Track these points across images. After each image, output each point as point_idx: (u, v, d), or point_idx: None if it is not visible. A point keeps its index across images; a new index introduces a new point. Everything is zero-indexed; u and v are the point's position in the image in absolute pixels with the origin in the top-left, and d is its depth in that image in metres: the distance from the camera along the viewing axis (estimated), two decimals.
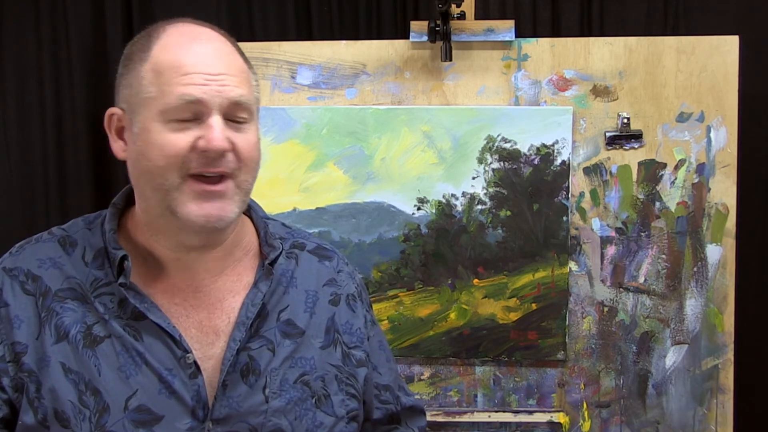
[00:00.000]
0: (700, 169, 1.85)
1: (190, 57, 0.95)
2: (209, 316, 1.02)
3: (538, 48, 1.86)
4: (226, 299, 1.04)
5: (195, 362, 0.98)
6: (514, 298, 1.86)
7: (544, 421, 1.89)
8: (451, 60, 1.78)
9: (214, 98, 0.94)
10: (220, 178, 0.96)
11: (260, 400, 1.01)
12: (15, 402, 0.95)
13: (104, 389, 0.95)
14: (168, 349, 0.97)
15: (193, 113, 0.94)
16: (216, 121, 0.94)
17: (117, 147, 1.01)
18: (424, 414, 1.27)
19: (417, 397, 1.90)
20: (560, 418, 1.88)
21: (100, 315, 0.97)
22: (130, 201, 1.05)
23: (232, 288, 1.05)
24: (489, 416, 1.89)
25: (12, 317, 0.96)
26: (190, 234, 0.98)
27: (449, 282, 1.87)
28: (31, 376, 0.95)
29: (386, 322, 1.87)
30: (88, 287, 0.98)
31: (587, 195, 1.86)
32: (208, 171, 0.95)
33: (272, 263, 1.06)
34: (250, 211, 1.11)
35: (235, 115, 0.97)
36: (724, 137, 1.84)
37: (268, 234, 1.09)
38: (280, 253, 1.08)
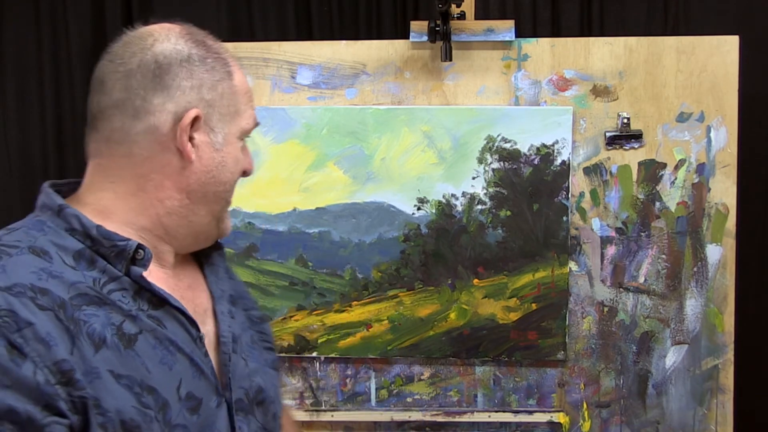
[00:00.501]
0: (700, 169, 1.85)
1: (248, 85, 1.05)
2: (195, 295, 1.05)
3: (538, 48, 1.86)
4: (197, 278, 1.09)
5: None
6: (514, 298, 1.86)
7: (544, 421, 1.89)
8: (451, 60, 1.78)
9: None
10: None
11: (243, 364, 1.07)
12: (77, 426, 0.87)
13: (158, 385, 0.92)
14: (186, 332, 0.98)
15: None
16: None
17: (189, 149, 0.96)
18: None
19: (417, 397, 1.91)
20: (560, 418, 1.88)
21: (124, 312, 0.93)
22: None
23: (191, 265, 1.09)
24: (489, 416, 1.89)
25: (43, 335, 0.85)
26: (206, 242, 1.06)
27: (449, 282, 1.87)
28: (88, 394, 0.87)
29: (386, 322, 1.87)
30: (96, 288, 0.92)
31: (587, 195, 1.86)
32: None
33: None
34: None
35: None
36: (724, 137, 1.84)
37: None
38: None
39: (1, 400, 0.81)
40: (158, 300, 0.96)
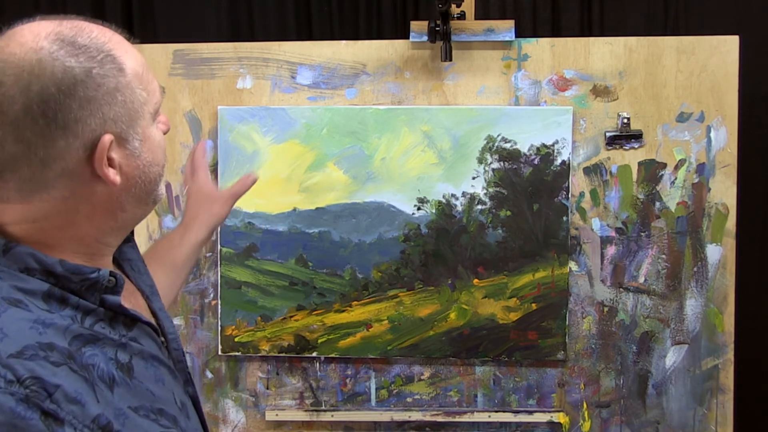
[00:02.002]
0: (700, 169, 1.85)
1: (135, 50, 0.94)
2: (135, 300, 1.02)
3: (538, 48, 1.86)
4: (125, 278, 1.03)
5: None
6: (514, 298, 1.86)
7: (544, 421, 1.89)
8: (451, 60, 1.78)
9: None
10: None
11: (182, 353, 1.07)
12: None
13: (163, 404, 0.91)
14: (155, 342, 0.97)
15: None
16: None
17: (112, 175, 0.88)
18: None
19: (417, 397, 1.91)
20: (560, 418, 1.88)
21: (115, 343, 0.89)
22: None
23: (115, 267, 1.04)
24: (489, 416, 1.89)
25: (74, 395, 0.80)
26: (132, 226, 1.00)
27: (449, 282, 1.87)
28: None
29: (386, 322, 1.87)
30: (82, 327, 0.86)
31: (587, 195, 1.86)
32: None
33: None
34: None
35: None
36: (724, 137, 1.84)
37: None
38: None
39: None
40: (130, 320, 0.93)
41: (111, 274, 0.90)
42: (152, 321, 0.99)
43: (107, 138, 0.85)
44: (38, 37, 0.86)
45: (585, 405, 1.89)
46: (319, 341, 1.89)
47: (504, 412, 1.89)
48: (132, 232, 1.05)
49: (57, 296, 0.86)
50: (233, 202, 1.50)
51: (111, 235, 0.95)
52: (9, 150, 0.83)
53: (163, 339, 0.99)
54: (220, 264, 1.88)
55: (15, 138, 0.83)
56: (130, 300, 0.99)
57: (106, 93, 0.86)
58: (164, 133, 0.97)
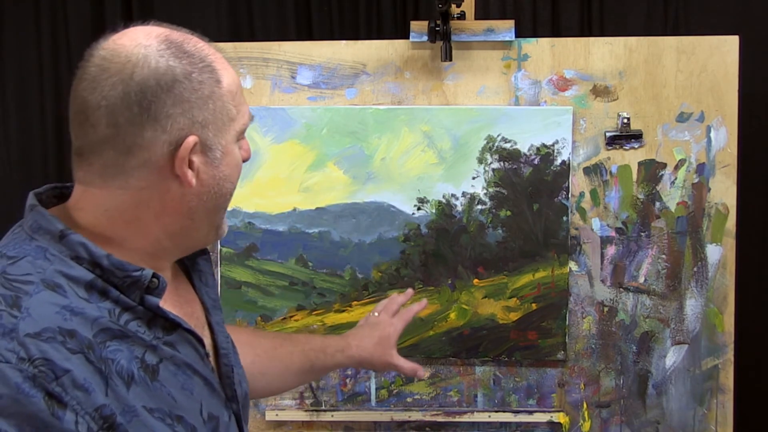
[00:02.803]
0: (700, 169, 1.85)
1: (239, 80, 0.99)
2: (192, 309, 1.04)
3: (538, 48, 1.86)
4: (188, 289, 1.07)
5: None
6: (514, 298, 1.86)
7: (544, 421, 1.89)
8: (451, 60, 1.78)
9: None
10: None
11: (239, 371, 1.08)
12: None
13: (184, 412, 0.92)
14: (196, 351, 0.98)
15: None
16: None
17: (190, 176, 0.92)
18: None
19: (417, 397, 1.91)
20: (560, 418, 1.88)
21: (145, 343, 0.90)
22: None
23: (178, 275, 1.07)
24: (489, 416, 1.89)
25: (82, 381, 0.82)
26: (198, 249, 1.03)
27: (449, 282, 1.87)
28: None
29: None
30: (115, 321, 0.89)
31: (587, 195, 1.86)
32: None
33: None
34: None
35: None
36: (724, 137, 1.84)
37: None
38: None
39: None
40: (171, 325, 0.95)
41: (154, 275, 0.91)
42: (198, 331, 0.99)
43: (192, 139, 0.89)
44: (149, 36, 0.91)
45: (585, 405, 1.89)
46: None
47: (504, 412, 1.89)
48: (205, 249, 1.09)
49: (99, 288, 0.88)
50: (390, 366, 1.49)
51: (172, 241, 0.96)
52: (101, 132, 0.88)
53: (208, 352, 1.00)
54: (220, 264, 1.88)
55: (108, 122, 0.88)
56: (184, 308, 1.01)
57: (200, 98, 0.90)
58: (244, 161, 0.99)
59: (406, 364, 1.49)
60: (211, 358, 1.03)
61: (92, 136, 0.89)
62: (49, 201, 0.98)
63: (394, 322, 1.50)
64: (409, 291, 1.60)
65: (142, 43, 0.90)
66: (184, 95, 0.89)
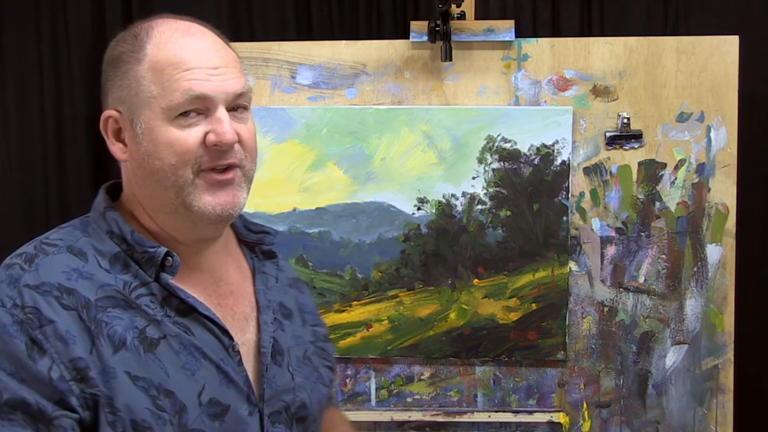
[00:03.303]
0: (700, 169, 1.85)
1: (189, 52, 0.96)
2: (236, 303, 1.05)
3: (538, 48, 1.86)
4: (242, 285, 1.08)
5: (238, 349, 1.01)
6: (514, 298, 1.86)
7: (544, 421, 1.89)
8: (451, 60, 1.78)
9: (219, 92, 0.96)
10: (228, 167, 0.98)
11: (288, 378, 1.06)
12: (87, 421, 0.90)
13: (177, 389, 0.94)
14: (217, 339, 0.98)
15: (198, 108, 0.96)
16: (223, 114, 0.96)
17: (116, 149, 0.99)
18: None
19: (417, 397, 1.91)
20: (560, 418, 1.88)
21: (149, 317, 0.94)
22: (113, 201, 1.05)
23: (241, 274, 1.09)
24: (489, 416, 1.89)
25: (63, 333, 0.89)
26: (205, 226, 1.00)
27: (449, 282, 1.87)
28: (100, 392, 0.90)
29: (386, 322, 1.87)
30: (125, 292, 0.94)
31: (587, 195, 1.86)
32: (219, 164, 0.97)
33: (263, 245, 1.12)
34: None
35: (237, 106, 0.99)
36: (724, 137, 1.84)
37: (247, 222, 1.13)
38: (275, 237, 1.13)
39: (16, 392, 0.86)
40: (186, 307, 0.97)
41: (169, 253, 0.96)
42: (233, 324, 1.01)
43: (106, 113, 0.99)
44: (146, 25, 0.99)
45: (585, 405, 1.89)
46: None
47: (504, 412, 1.89)
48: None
49: (122, 261, 0.96)
50: None
51: (170, 220, 0.99)
52: None
53: (236, 344, 1.00)
54: None
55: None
56: (224, 300, 1.03)
57: (120, 75, 0.97)
58: (213, 143, 0.96)
59: None
60: (251, 355, 1.03)
61: None
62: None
63: None
64: None
65: (144, 25, 0.99)
66: (110, 74, 0.99)
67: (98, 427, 0.90)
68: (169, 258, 0.96)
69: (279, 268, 1.14)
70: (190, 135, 0.95)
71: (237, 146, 0.98)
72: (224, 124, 0.95)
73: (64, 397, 0.88)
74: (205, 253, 1.04)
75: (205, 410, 0.95)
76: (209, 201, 0.97)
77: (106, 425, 0.89)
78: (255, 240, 1.12)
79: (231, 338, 1.00)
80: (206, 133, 0.96)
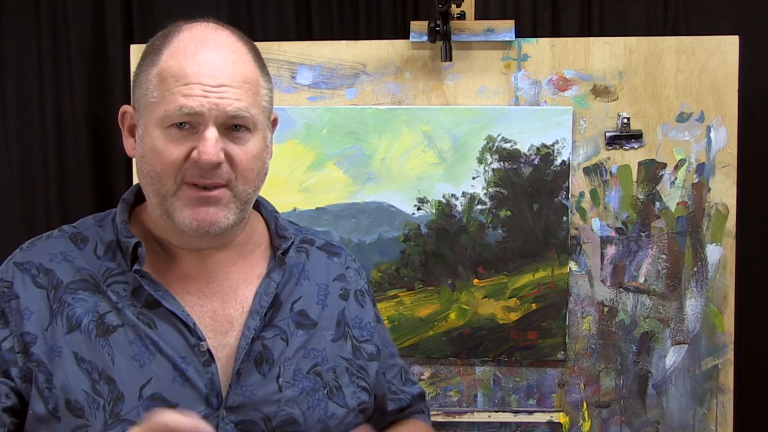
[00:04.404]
0: (700, 169, 1.85)
1: (193, 66, 0.96)
2: (223, 305, 1.03)
3: (538, 48, 1.86)
4: (240, 289, 1.05)
5: (209, 350, 0.99)
6: (514, 298, 1.86)
7: (544, 421, 1.89)
8: (451, 60, 1.78)
9: (211, 111, 0.95)
10: (215, 185, 0.98)
11: (274, 389, 1.02)
12: (24, 392, 0.96)
13: (118, 378, 0.95)
14: (182, 336, 0.98)
15: (191, 122, 0.96)
16: (211, 133, 0.96)
17: (128, 144, 1.04)
18: (425, 395, 1.31)
19: None
20: (560, 418, 1.88)
21: (113, 304, 0.98)
22: (140, 197, 1.07)
23: (246, 278, 1.06)
24: (489, 416, 1.89)
25: (22, 309, 0.97)
26: (188, 237, 1.01)
27: (449, 282, 1.87)
28: (39, 366, 0.95)
29: (386, 322, 1.87)
30: (100, 277, 1.00)
31: (587, 195, 1.86)
32: (202, 181, 0.97)
33: (284, 253, 1.08)
34: (260, 206, 1.18)
35: (236, 125, 0.98)
36: (724, 137, 1.84)
37: (278, 226, 1.13)
38: (292, 243, 1.10)
39: None
40: (154, 300, 0.98)
41: (138, 244, 0.99)
42: (198, 319, 1.00)
43: (123, 107, 1.04)
44: (182, 25, 1.03)
45: (585, 405, 1.89)
46: None
47: (504, 412, 1.89)
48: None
49: (113, 249, 1.02)
50: None
51: (156, 215, 1.02)
52: None
53: (204, 343, 0.98)
54: None
55: None
56: (209, 299, 1.02)
57: (139, 74, 1.01)
58: (194, 161, 0.95)
59: None
60: (230, 359, 1.00)
61: None
62: None
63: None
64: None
65: (182, 25, 1.03)
66: (137, 70, 1.02)
67: (31, 399, 0.95)
68: (140, 248, 0.99)
69: (299, 272, 1.10)
70: (177, 147, 0.96)
71: (225, 166, 0.97)
72: (207, 144, 0.95)
73: (8, 368, 0.95)
74: (201, 252, 1.04)
75: (144, 403, 0.95)
76: (187, 215, 0.98)
77: (38, 397, 0.94)
78: (276, 245, 1.11)
79: (199, 338, 0.98)
80: (192, 149, 0.96)
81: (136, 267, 0.99)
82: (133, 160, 1.05)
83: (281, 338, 1.04)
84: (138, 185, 1.06)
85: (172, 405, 0.95)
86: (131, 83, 1.03)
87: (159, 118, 0.96)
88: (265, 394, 1.01)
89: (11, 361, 0.95)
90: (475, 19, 1.89)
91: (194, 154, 0.95)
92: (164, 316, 0.98)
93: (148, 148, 0.98)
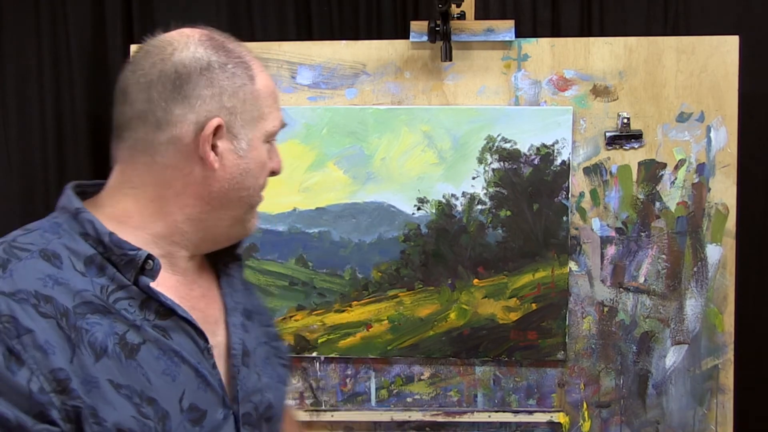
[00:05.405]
0: (700, 169, 1.85)
1: (274, 85, 1.04)
2: (207, 306, 1.04)
3: (538, 48, 1.86)
4: (211, 288, 1.08)
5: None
6: (514, 298, 1.86)
7: (544, 421, 1.89)
8: (451, 60, 1.78)
9: None
10: None
11: (255, 379, 1.06)
12: None
13: (158, 396, 0.92)
14: (193, 342, 0.98)
15: None
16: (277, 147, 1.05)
17: (213, 158, 0.96)
18: None
19: (417, 397, 1.91)
20: (560, 418, 1.88)
21: (129, 322, 0.92)
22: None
23: (209, 277, 1.09)
24: (489, 416, 1.89)
25: (42, 343, 0.85)
26: (224, 244, 1.05)
27: (449, 282, 1.87)
28: (83, 403, 0.86)
29: (386, 322, 1.87)
30: (101, 296, 0.92)
31: (587, 195, 1.86)
32: None
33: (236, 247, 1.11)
34: None
35: None
36: (724, 137, 1.84)
37: None
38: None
39: None
40: (165, 310, 0.96)
41: (149, 256, 0.94)
42: (206, 327, 0.99)
43: (216, 121, 0.95)
44: (194, 31, 0.99)
45: (585, 405, 1.89)
46: (319, 341, 1.89)
47: (504, 412, 1.89)
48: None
49: (97, 263, 0.93)
50: None
51: (190, 226, 0.99)
52: (137, 107, 0.95)
53: (212, 347, 0.99)
54: None
55: (144, 97, 0.95)
56: (197, 302, 1.02)
57: (231, 86, 0.96)
58: (272, 174, 1.04)
59: None
60: (221, 358, 1.03)
61: (129, 113, 0.96)
62: (93, 192, 1.04)
63: None
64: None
65: (186, 33, 0.98)
66: (216, 80, 0.95)
67: None
68: (150, 261, 0.94)
69: (243, 270, 1.15)
70: (270, 161, 1.03)
71: None
72: (279, 155, 1.05)
73: (44, 410, 0.84)
74: (178, 259, 1.03)
75: (186, 416, 0.94)
76: (255, 222, 1.05)
77: None
78: None
79: (207, 340, 0.99)
80: (273, 161, 1.04)
81: (146, 281, 0.94)
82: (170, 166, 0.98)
83: (245, 330, 1.08)
84: (78, 190, 1.01)
85: (203, 412, 0.96)
86: (201, 94, 0.95)
87: (265, 133, 1.00)
88: (252, 384, 1.05)
89: (47, 404, 0.84)
90: (475, 19, 1.89)
91: (275, 165, 1.04)
92: (176, 324, 0.96)
93: (256, 161, 1.00)
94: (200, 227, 1.00)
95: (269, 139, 1.01)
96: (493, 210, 1.85)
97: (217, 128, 0.95)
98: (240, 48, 1.00)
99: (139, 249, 0.94)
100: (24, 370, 0.84)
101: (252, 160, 0.99)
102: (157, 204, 0.97)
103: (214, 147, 0.96)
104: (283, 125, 1.03)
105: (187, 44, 0.96)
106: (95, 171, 2.18)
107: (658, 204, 1.85)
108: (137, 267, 0.93)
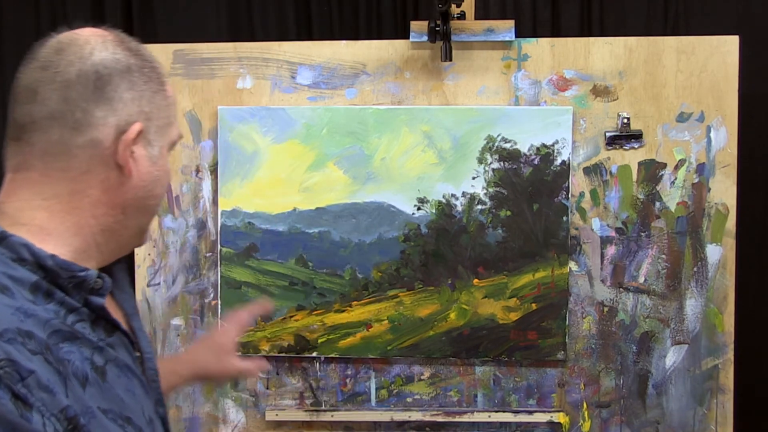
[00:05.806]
0: (700, 169, 1.85)
1: None
2: (116, 312, 1.03)
3: (538, 48, 1.86)
4: (110, 297, 1.06)
5: None
6: (514, 298, 1.86)
7: (544, 421, 1.89)
8: (451, 60, 1.78)
9: None
10: None
11: (154, 373, 1.06)
12: None
13: (131, 413, 0.91)
14: (129, 354, 0.97)
15: None
16: None
17: (131, 164, 0.92)
18: None
19: (417, 397, 1.91)
20: (560, 418, 1.88)
21: (93, 344, 0.89)
22: None
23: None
24: (489, 416, 1.89)
25: (46, 382, 0.80)
26: (122, 255, 1.02)
27: (449, 282, 1.87)
28: None
29: (386, 322, 1.87)
30: (66, 322, 0.87)
31: (587, 195, 1.86)
32: None
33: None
34: None
35: None
36: (724, 137, 1.84)
37: None
38: None
39: None
40: (111, 327, 0.93)
41: (99, 276, 0.91)
42: (130, 334, 0.98)
43: (138, 126, 0.91)
44: (105, 32, 0.95)
45: (585, 405, 1.89)
46: (319, 341, 1.89)
47: (504, 412, 1.89)
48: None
49: (44, 289, 0.86)
50: (228, 373, 1.45)
51: (104, 237, 0.94)
52: (51, 107, 0.89)
53: (138, 354, 0.99)
54: (220, 264, 1.88)
55: (60, 97, 0.89)
56: (115, 312, 0.99)
57: (150, 90, 0.93)
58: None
59: (244, 365, 1.43)
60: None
61: (39, 113, 0.89)
62: None
63: (227, 329, 1.44)
64: (263, 304, 1.57)
65: (99, 33, 0.93)
66: (136, 83, 0.92)
67: None
68: (99, 280, 0.90)
69: (126, 271, 1.12)
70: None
71: None
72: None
73: None
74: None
75: (149, 428, 0.94)
76: (147, 235, 1.05)
77: None
78: None
79: (137, 350, 0.99)
80: None
81: (98, 301, 0.90)
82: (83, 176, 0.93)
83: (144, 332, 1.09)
84: None
85: (152, 420, 0.97)
86: (122, 97, 0.92)
87: (170, 141, 0.98)
88: (160, 377, 1.06)
89: None
90: (475, 19, 1.89)
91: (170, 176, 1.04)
92: (118, 340, 0.95)
93: (164, 170, 0.98)
94: (113, 238, 0.96)
95: (171, 148, 0.99)
96: (493, 210, 1.85)
97: (139, 134, 0.92)
98: (150, 54, 0.97)
99: (87, 269, 0.90)
100: (35, 414, 0.78)
101: (161, 168, 0.96)
102: (74, 217, 0.91)
103: (131, 153, 0.92)
104: (180, 137, 1.01)
105: (104, 45, 0.91)
106: None
107: (658, 204, 1.85)
108: (88, 288, 0.90)
